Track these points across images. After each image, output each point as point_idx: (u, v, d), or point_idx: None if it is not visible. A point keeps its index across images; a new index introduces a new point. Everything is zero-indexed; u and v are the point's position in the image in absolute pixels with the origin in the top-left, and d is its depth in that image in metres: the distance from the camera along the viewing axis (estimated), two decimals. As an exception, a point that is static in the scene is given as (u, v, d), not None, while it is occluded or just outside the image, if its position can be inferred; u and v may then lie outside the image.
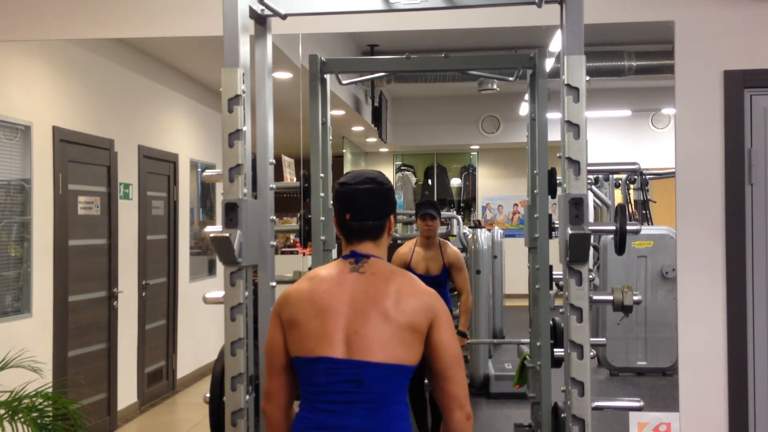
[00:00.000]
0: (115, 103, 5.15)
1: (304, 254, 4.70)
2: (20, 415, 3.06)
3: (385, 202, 1.96)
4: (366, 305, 1.83)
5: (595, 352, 2.43)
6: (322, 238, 3.67)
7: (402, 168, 7.29)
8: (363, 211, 1.93)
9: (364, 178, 1.95)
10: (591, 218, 5.03)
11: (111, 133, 5.00)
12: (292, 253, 6.65)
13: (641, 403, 2.58)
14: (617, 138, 5.62)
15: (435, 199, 6.95)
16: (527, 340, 4.24)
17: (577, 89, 2.19)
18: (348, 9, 2.58)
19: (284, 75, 4.31)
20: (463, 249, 5.85)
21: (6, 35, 3.48)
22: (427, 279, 4.36)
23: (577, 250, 2.17)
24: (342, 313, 1.83)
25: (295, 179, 4.34)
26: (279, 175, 3.39)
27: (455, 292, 4.59)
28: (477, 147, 7.07)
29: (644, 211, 5.40)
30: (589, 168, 2.23)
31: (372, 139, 6.48)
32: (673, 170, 3.19)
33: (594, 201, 5.43)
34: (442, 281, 4.39)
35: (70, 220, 4.58)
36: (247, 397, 2.29)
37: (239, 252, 2.22)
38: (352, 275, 1.88)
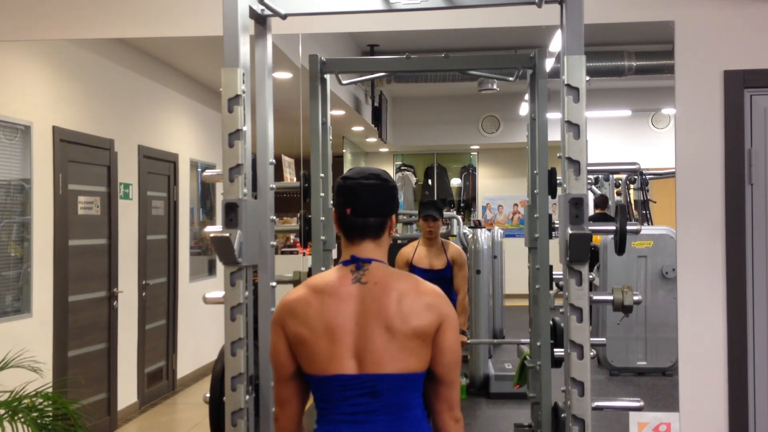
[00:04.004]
0: (115, 103, 5.15)
1: (304, 254, 4.71)
2: (20, 415, 3.06)
3: (388, 199, 1.91)
4: (371, 320, 1.80)
5: (595, 352, 2.43)
6: (322, 238, 3.67)
7: (402, 168, 7.27)
8: (365, 206, 1.87)
9: (368, 173, 1.90)
10: (591, 218, 5.02)
11: (111, 133, 5.00)
12: (292, 253, 6.66)
13: (641, 403, 2.59)
14: (617, 138, 5.62)
15: (435, 198, 6.94)
16: (527, 340, 4.24)
17: (577, 89, 2.19)
18: (348, 9, 2.58)
19: (284, 75, 4.31)
20: (463, 249, 5.84)
21: (6, 35, 3.49)
22: (432, 273, 4.37)
23: (577, 250, 2.17)
24: (350, 331, 1.80)
25: (295, 179, 4.34)
26: (279, 175, 3.39)
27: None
28: (477, 147, 7.06)
29: (644, 211, 5.39)
30: (589, 168, 2.23)
31: (372, 139, 6.47)
32: (673, 170, 3.19)
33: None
34: (446, 277, 4.39)
35: (70, 220, 4.58)
36: (247, 397, 2.29)
37: (239, 252, 2.22)
38: (355, 287, 1.84)
